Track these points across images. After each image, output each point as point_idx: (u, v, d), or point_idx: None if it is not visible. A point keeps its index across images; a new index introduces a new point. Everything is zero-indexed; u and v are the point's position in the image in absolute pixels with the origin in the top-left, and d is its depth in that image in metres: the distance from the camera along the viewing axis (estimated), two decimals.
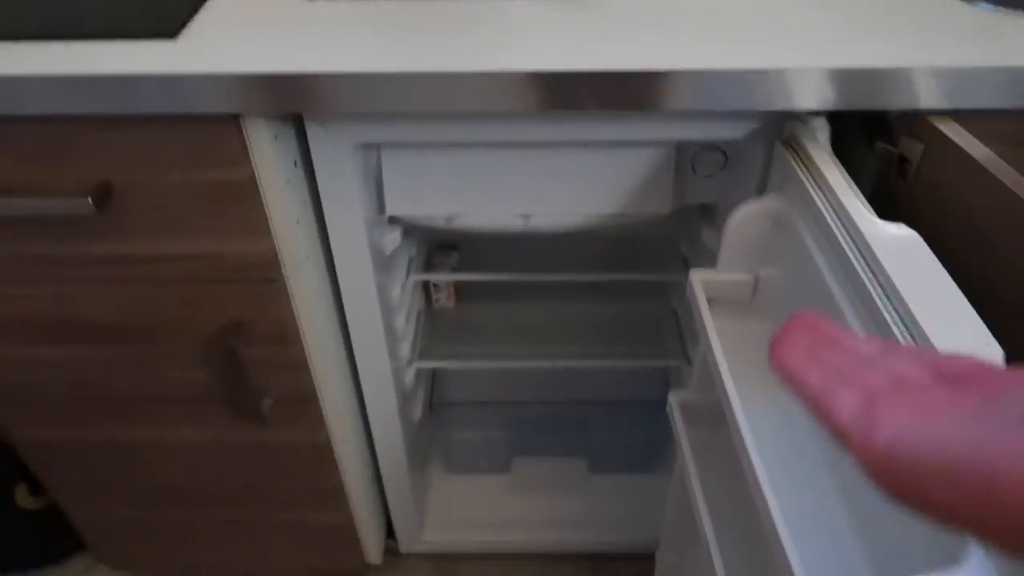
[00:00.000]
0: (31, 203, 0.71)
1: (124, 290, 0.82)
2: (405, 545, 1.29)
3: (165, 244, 0.78)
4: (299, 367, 0.91)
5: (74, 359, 0.89)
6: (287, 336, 0.87)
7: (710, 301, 0.78)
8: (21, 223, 0.76)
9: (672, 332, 1.22)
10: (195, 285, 0.81)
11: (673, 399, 0.91)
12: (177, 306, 0.83)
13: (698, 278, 0.79)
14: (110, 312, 0.84)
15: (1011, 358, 0.54)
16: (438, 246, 1.23)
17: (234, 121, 0.70)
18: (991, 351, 0.53)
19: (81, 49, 0.68)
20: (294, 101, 0.68)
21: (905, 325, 0.56)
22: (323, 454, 1.02)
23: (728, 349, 0.72)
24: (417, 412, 1.19)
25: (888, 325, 0.57)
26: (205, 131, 0.70)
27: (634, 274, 1.11)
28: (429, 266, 1.21)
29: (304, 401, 0.94)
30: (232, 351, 0.83)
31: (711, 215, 0.97)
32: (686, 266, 1.09)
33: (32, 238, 0.77)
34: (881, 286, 0.60)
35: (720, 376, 0.68)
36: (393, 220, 0.96)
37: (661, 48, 0.69)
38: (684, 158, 0.88)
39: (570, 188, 0.88)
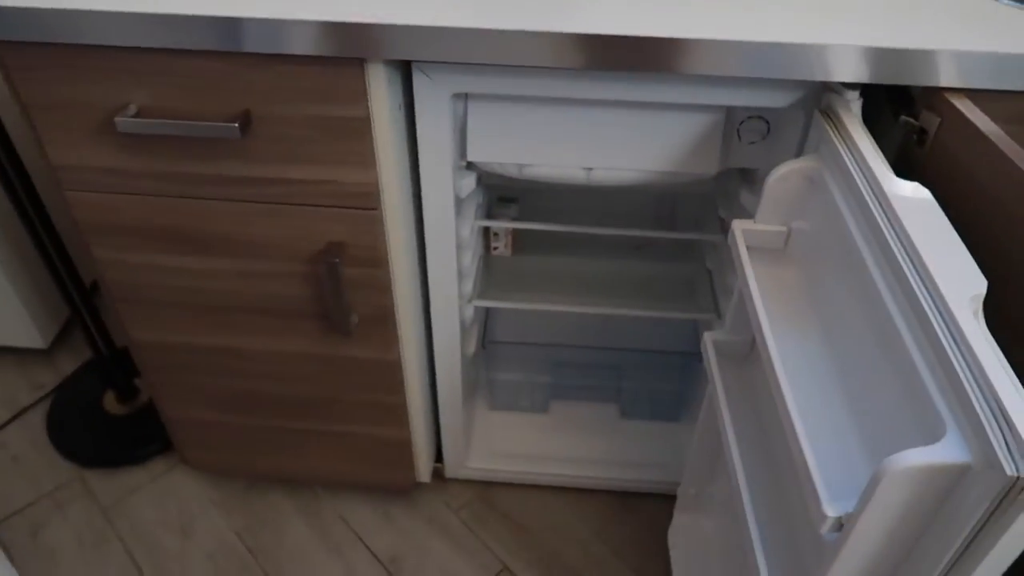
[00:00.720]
0: (188, 125, 0.85)
1: (249, 208, 0.96)
2: (451, 470, 1.43)
3: (289, 169, 0.92)
4: (384, 289, 1.04)
5: (191, 268, 1.04)
6: (377, 260, 1.01)
7: (747, 249, 0.91)
8: (174, 142, 0.90)
9: (705, 290, 1.35)
10: (309, 207, 0.95)
11: (707, 337, 1.04)
12: (290, 225, 0.97)
13: (739, 227, 0.92)
14: (231, 228, 0.98)
15: (997, 291, 0.67)
16: (499, 198, 1.36)
17: (358, 64, 0.83)
18: (979, 286, 0.66)
19: None
20: (409, 48, 0.81)
21: (914, 266, 0.69)
22: (392, 372, 1.16)
23: (761, 288, 0.85)
24: (471, 347, 1.33)
25: (900, 266, 0.69)
26: (334, 72, 0.84)
27: (676, 233, 1.24)
28: (491, 216, 1.34)
29: (383, 321, 1.08)
30: (334, 267, 0.96)
31: (751, 179, 1.09)
32: (723, 229, 1.21)
33: (180, 157, 0.92)
34: (897, 235, 0.72)
35: (753, 304, 0.81)
36: (470, 167, 1.09)
37: (721, 20, 0.82)
38: (732, 125, 1.00)
39: (630, 145, 1.01)
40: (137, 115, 0.87)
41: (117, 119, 0.85)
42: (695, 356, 1.39)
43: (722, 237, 1.21)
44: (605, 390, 1.53)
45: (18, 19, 0.81)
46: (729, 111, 0.98)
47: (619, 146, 1.01)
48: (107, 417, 1.52)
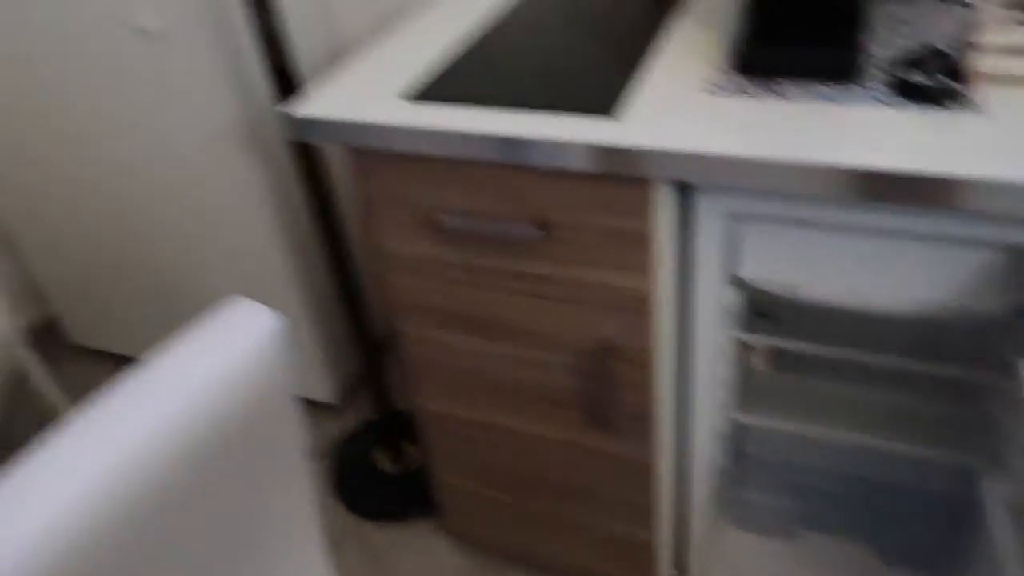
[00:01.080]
0: (498, 226, 1.00)
1: (536, 302, 1.09)
2: None
3: (577, 271, 1.03)
4: (646, 389, 1.11)
5: (478, 350, 1.17)
6: (644, 361, 1.08)
7: None
8: (482, 240, 1.06)
9: (980, 431, 1.27)
10: (590, 307, 1.06)
11: (992, 490, 0.97)
12: (572, 322, 1.08)
13: None
14: (519, 318, 1.11)
15: None
16: (758, 313, 1.39)
17: (645, 183, 0.93)
18: None
19: (545, 119, 0.95)
20: (692, 173, 0.89)
21: None
22: (645, 472, 1.21)
23: None
24: (724, 459, 1.35)
25: None
26: (623, 189, 0.94)
27: (948, 368, 1.19)
28: (748, 330, 1.37)
29: (643, 421, 1.15)
30: (606, 365, 1.05)
31: None
32: (1007, 369, 1.15)
33: (483, 253, 1.07)
34: None
35: None
36: (735, 282, 1.14)
37: (997, 155, 0.81)
38: (1020, 263, 0.97)
39: (903, 275, 1.01)
40: (458, 215, 1.02)
41: (443, 216, 1.01)
42: (964, 502, 1.31)
43: (1007, 379, 1.15)
44: (859, 527, 1.47)
45: (364, 132, 1.01)
46: (1017, 248, 0.96)
47: (892, 275, 1.02)
48: (378, 475, 1.70)
